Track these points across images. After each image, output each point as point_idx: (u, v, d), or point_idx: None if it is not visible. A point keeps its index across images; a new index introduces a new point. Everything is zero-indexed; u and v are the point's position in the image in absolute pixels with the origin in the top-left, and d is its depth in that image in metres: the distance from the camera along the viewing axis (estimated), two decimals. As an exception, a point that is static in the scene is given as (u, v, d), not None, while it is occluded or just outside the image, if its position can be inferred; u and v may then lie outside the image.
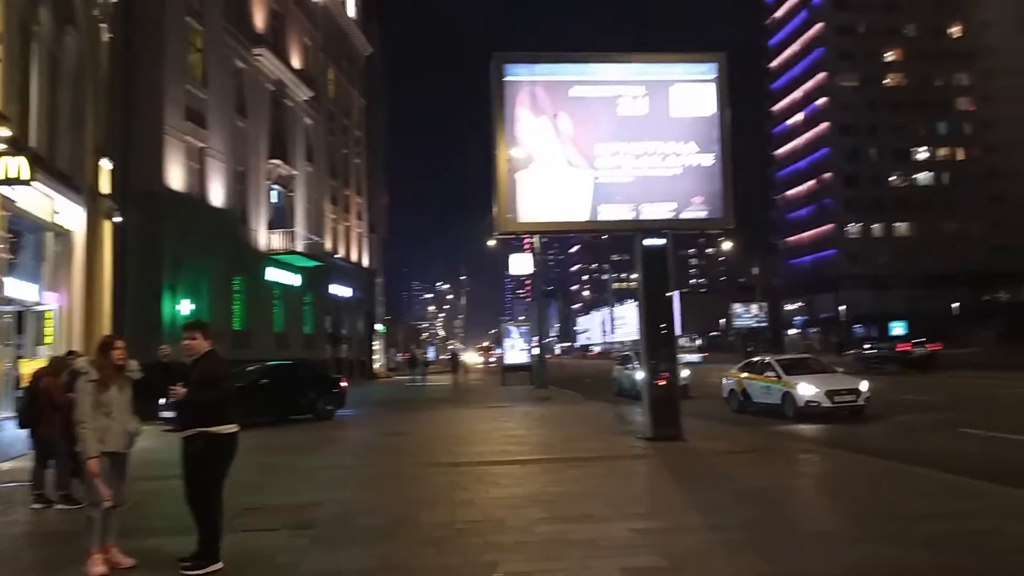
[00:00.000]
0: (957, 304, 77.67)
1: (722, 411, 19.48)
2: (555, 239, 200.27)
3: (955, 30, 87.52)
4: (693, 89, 13.83)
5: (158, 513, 7.92)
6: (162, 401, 14.56)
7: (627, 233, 14.12)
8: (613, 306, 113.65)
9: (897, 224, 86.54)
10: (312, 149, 39.68)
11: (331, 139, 43.58)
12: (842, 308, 77.66)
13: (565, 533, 6.77)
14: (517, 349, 37.14)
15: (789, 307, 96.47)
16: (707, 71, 14.00)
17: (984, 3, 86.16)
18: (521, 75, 13.19)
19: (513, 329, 38.17)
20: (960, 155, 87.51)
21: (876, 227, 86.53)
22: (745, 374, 20.18)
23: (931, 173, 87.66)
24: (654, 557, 5.90)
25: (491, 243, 43.94)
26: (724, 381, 21.41)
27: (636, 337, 15.70)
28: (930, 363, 36.14)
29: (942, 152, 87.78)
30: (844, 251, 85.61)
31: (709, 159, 13.80)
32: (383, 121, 61.60)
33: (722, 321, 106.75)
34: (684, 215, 13.70)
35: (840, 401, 17.18)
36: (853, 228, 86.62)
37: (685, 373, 20.51)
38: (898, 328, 63.35)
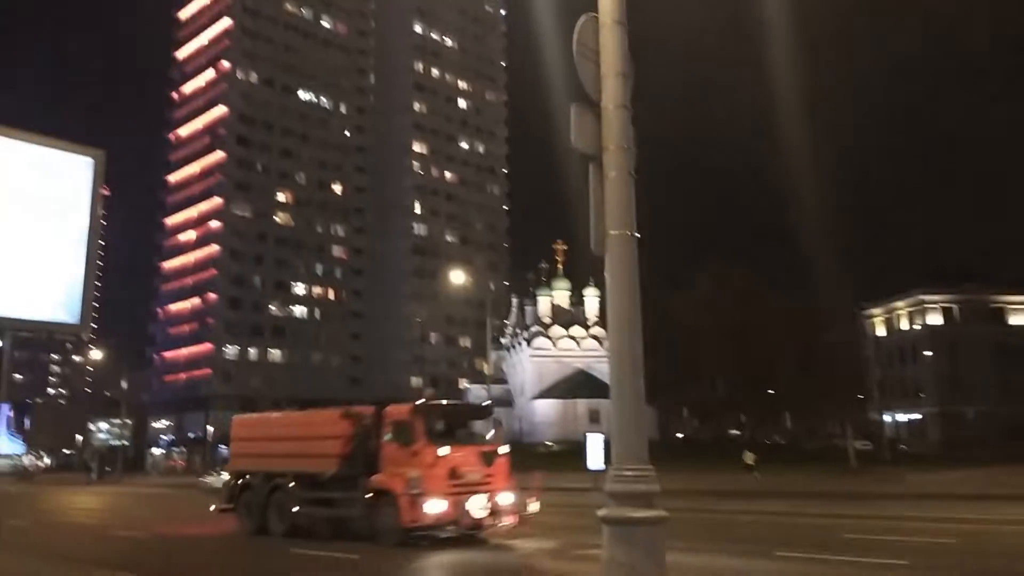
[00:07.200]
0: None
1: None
2: None
3: (336, 188, 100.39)
4: (64, 179, 12.56)
5: None
6: None
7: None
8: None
9: (272, 349, 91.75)
10: None
11: None
12: (210, 428, 77.63)
13: None
14: None
15: (157, 425, 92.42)
16: (83, 165, 12.92)
17: (363, 171, 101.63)
18: None
19: None
20: (331, 295, 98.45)
21: (252, 351, 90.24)
22: None
23: (305, 307, 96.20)
24: None
25: None
26: None
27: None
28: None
29: (317, 290, 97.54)
30: (219, 371, 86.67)
31: (72, 258, 12.51)
32: None
33: (79, 437, 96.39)
34: (31, 316, 11.99)
35: None
36: (230, 350, 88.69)
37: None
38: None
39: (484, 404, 16.03)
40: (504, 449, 15.02)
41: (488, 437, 15.47)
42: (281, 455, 16.23)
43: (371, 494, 13.92)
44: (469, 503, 13.52)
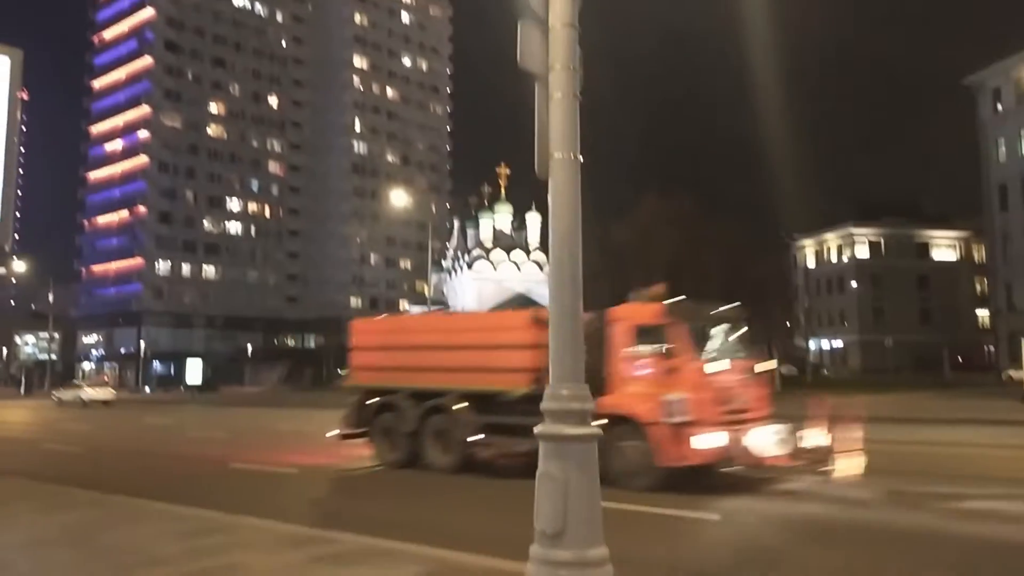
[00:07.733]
0: (251, 346, 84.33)
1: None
2: None
3: (272, 100, 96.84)
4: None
5: None
6: None
7: None
8: None
9: (206, 266, 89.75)
10: None
11: None
12: (143, 344, 76.41)
13: None
14: None
15: (87, 340, 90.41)
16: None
17: (301, 84, 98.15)
18: None
19: None
20: (267, 212, 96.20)
21: (185, 267, 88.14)
22: None
23: (240, 223, 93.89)
24: None
25: None
26: None
27: None
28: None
29: (252, 206, 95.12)
30: (150, 287, 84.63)
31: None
32: None
33: (5, 351, 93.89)
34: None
35: None
36: (162, 265, 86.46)
37: None
38: (195, 365, 65.36)
39: (735, 305, 12.27)
40: (768, 366, 11.94)
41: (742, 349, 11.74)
42: (439, 368, 12.74)
43: (603, 422, 9.86)
44: (749, 436, 10.19)
